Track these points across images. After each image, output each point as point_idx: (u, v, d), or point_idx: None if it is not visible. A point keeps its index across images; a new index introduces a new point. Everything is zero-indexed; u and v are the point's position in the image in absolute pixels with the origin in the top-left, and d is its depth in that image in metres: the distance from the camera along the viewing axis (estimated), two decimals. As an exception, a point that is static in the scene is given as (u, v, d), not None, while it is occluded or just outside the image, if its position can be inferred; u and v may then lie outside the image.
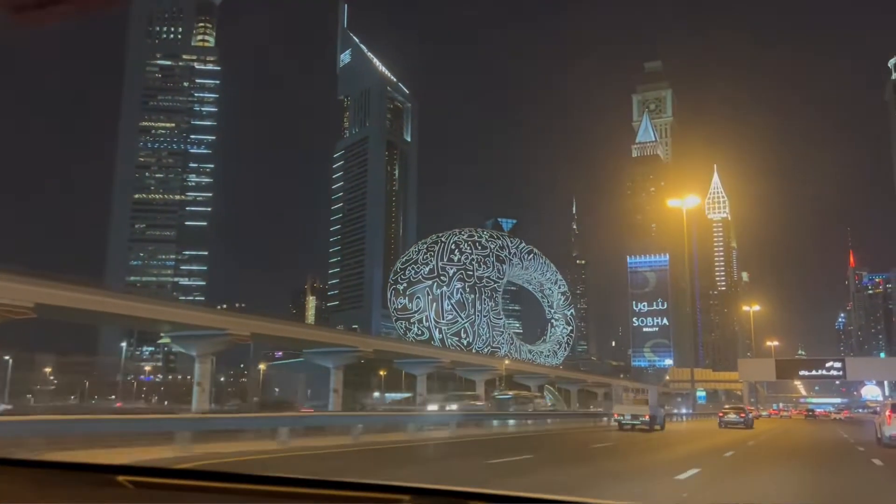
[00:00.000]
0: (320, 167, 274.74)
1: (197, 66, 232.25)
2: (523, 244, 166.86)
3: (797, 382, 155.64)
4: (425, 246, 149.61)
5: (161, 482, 2.34)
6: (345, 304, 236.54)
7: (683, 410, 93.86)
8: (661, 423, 42.43)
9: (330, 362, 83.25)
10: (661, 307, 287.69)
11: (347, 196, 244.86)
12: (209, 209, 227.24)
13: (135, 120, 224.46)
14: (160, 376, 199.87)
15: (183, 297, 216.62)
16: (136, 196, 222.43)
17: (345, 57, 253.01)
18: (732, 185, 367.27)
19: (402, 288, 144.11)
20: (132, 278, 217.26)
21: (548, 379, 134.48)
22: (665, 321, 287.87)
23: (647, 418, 40.85)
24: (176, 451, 18.19)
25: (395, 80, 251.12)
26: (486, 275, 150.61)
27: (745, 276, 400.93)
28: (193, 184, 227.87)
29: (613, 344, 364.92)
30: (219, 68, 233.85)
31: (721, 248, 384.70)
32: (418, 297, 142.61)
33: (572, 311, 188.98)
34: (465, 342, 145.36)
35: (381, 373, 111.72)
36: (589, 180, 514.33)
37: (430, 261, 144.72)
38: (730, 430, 46.49)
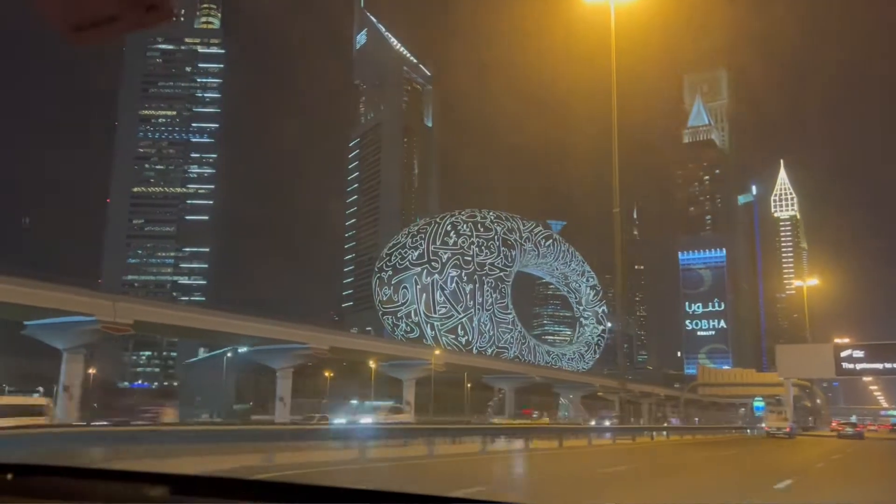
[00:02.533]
0: (334, 157, 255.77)
1: (200, 49, 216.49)
2: (540, 228, 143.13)
3: (872, 386, 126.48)
4: (416, 228, 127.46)
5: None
6: (360, 305, 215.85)
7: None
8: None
9: (276, 362, 62.99)
10: (717, 308, 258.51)
11: (363, 187, 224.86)
12: (211, 202, 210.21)
13: (134, 108, 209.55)
14: (156, 383, 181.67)
15: (183, 298, 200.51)
16: (135, 189, 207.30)
17: (360, 38, 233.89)
18: (801, 183, 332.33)
19: (386, 276, 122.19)
20: (130, 277, 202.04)
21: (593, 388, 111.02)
22: (722, 324, 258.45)
23: (787, 430, 56.74)
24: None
25: (414, 60, 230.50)
26: (488, 261, 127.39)
27: (816, 280, 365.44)
28: (195, 175, 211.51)
29: (679, 354, 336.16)
30: (223, 51, 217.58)
31: (790, 249, 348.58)
32: (405, 287, 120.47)
33: (604, 307, 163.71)
34: (462, 340, 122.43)
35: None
36: (636, 171, 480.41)
37: (420, 244, 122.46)
38: None
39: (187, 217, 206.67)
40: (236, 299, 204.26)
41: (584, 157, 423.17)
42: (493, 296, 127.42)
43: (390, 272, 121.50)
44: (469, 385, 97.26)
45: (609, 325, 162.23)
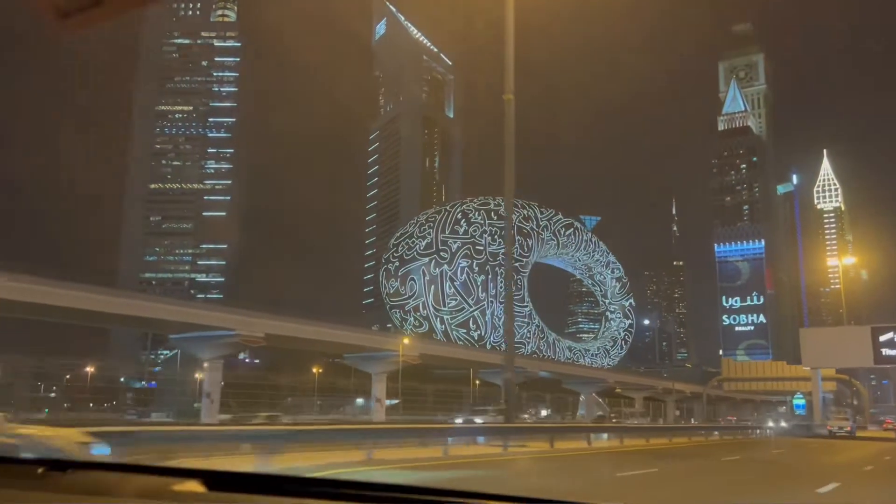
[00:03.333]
0: (354, 150, 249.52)
1: (216, 43, 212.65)
2: (559, 216, 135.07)
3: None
4: (424, 217, 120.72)
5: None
6: (380, 300, 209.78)
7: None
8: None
9: (203, 351, 56.81)
10: (756, 302, 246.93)
11: (382, 180, 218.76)
12: (228, 198, 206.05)
13: (151, 104, 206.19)
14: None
15: (200, 295, 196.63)
16: (152, 186, 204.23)
17: (380, 28, 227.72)
18: (846, 174, 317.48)
19: (393, 268, 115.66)
20: (147, 275, 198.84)
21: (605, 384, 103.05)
22: (762, 318, 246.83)
23: (849, 429, 52.53)
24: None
25: (435, 50, 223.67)
26: (501, 251, 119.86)
27: (864, 274, 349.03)
28: (212, 171, 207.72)
29: (721, 353, 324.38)
30: (239, 44, 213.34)
31: (834, 242, 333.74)
32: (413, 279, 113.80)
33: (631, 301, 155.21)
34: (475, 335, 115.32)
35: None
36: (670, 162, 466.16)
37: (429, 234, 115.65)
38: None
39: (204, 213, 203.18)
40: (255, 296, 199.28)
41: (621, 151, 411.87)
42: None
43: (397, 263, 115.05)
44: (478, 382, 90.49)
45: (636, 320, 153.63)
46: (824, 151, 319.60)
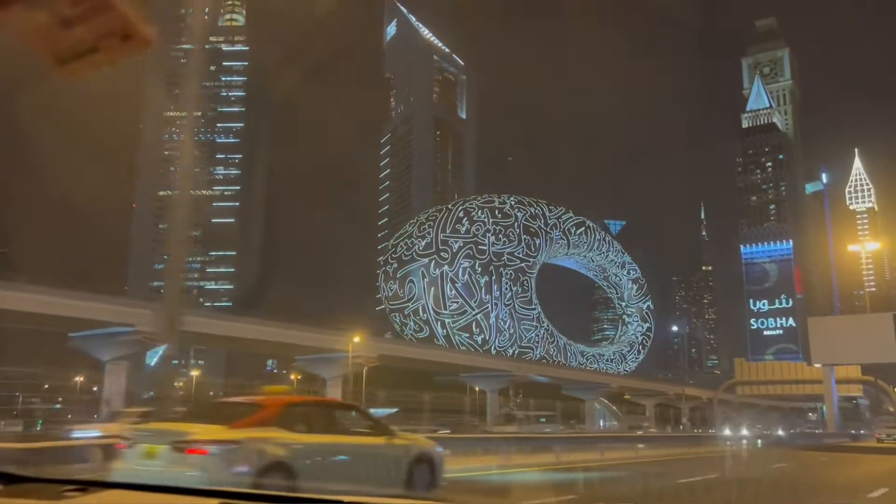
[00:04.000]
0: (366, 154, 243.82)
1: (224, 47, 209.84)
2: (570, 214, 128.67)
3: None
4: (425, 216, 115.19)
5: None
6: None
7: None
8: None
9: (101, 351, 51.28)
10: (785, 305, 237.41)
11: (394, 185, 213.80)
12: (237, 204, 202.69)
13: (159, 110, 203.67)
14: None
15: (209, 304, 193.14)
16: (161, 193, 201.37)
17: (390, 30, 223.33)
18: (880, 173, 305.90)
19: (391, 270, 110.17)
20: (156, 283, 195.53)
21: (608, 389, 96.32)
22: (791, 322, 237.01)
23: None
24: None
25: (447, 50, 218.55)
26: (506, 251, 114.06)
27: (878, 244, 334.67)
28: (220, 177, 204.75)
29: (748, 358, 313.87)
30: (247, 48, 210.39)
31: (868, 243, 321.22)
32: (412, 281, 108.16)
33: (649, 303, 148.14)
34: (478, 339, 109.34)
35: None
36: (696, 165, 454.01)
37: (429, 233, 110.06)
38: None
39: (213, 220, 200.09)
40: (266, 304, 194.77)
41: (648, 154, 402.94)
42: (514, 289, 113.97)
43: (395, 265, 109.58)
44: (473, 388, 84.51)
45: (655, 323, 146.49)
46: (856, 150, 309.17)
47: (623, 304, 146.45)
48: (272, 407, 9.75)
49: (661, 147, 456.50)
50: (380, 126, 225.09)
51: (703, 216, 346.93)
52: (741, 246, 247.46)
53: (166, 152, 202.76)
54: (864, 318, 53.96)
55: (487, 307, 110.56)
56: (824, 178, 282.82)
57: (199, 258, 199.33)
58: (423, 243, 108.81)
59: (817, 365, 43.41)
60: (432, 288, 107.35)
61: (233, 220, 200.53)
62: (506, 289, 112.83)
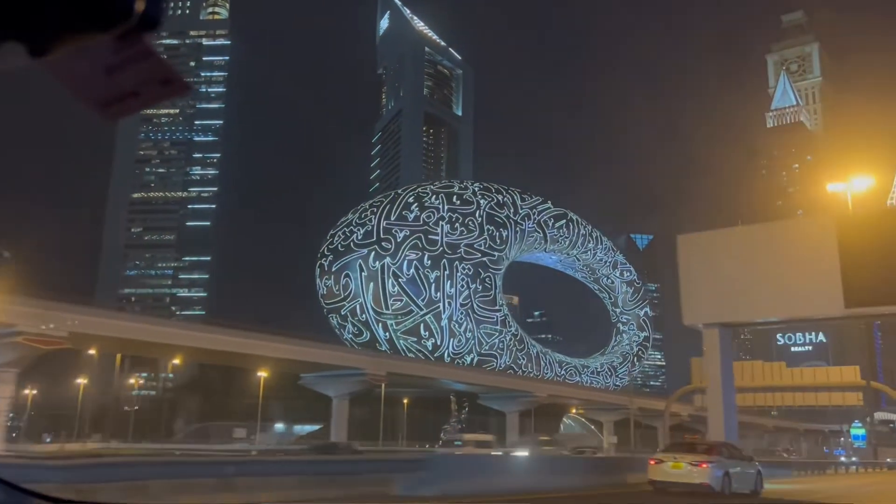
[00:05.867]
0: (355, 153, 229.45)
1: (205, 41, 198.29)
2: (548, 205, 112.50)
3: None
4: (370, 203, 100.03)
5: None
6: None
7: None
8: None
9: None
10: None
11: (384, 185, 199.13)
12: (213, 206, 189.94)
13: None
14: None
15: (182, 313, 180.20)
16: (135, 195, 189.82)
17: (384, 23, 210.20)
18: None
19: (327, 263, 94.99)
20: (127, 290, 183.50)
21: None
22: (821, 337, 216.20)
23: None
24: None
25: (443, 43, 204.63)
26: (464, 242, 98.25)
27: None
28: (197, 177, 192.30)
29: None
30: (229, 42, 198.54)
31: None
32: (348, 275, 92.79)
33: (647, 309, 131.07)
34: (428, 344, 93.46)
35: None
36: (714, 165, 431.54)
37: (370, 221, 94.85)
38: None
39: (188, 223, 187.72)
40: (241, 313, 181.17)
41: (674, 165, 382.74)
42: (473, 286, 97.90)
43: (331, 257, 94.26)
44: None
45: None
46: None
47: (617, 310, 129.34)
48: (716, 445, 21.30)
49: (686, 156, 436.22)
50: (370, 124, 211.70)
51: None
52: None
53: (141, 152, 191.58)
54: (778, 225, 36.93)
55: (439, 307, 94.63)
56: (855, 180, 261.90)
57: (172, 264, 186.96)
58: (362, 232, 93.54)
59: (699, 326, 26.25)
60: (371, 284, 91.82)
61: (208, 223, 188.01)
62: (462, 286, 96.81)
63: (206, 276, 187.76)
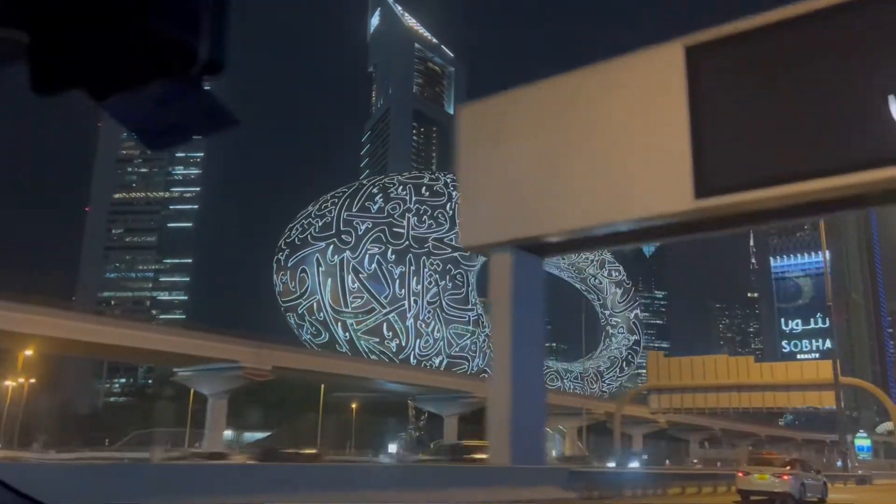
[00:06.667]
0: (345, 154, 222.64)
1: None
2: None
3: None
4: (331, 194, 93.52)
5: None
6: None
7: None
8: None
9: None
10: (821, 325, 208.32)
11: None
12: (196, 206, 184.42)
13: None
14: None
15: (163, 316, 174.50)
16: (116, 196, 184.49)
17: (374, 21, 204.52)
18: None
19: (283, 257, 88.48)
20: (106, 294, 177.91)
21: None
22: (829, 344, 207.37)
23: None
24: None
25: (435, 40, 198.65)
26: (432, 235, 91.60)
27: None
28: (180, 177, 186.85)
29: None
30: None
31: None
32: (304, 270, 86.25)
33: (637, 312, 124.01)
34: (392, 345, 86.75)
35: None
36: None
37: (330, 213, 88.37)
38: None
39: (169, 224, 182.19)
40: (223, 315, 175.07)
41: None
42: (442, 283, 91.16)
43: (288, 251, 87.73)
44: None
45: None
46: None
47: (606, 312, 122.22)
48: (793, 460, 25.90)
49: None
50: (360, 123, 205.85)
51: (751, 243, 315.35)
52: (770, 258, 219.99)
53: (123, 152, 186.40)
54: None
55: (403, 305, 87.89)
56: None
57: (152, 266, 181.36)
58: (320, 223, 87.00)
59: (487, 249, 18.74)
60: (329, 279, 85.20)
61: (190, 224, 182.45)
62: (430, 282, 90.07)
63: (187, 279, 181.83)
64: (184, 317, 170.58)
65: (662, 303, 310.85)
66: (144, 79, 1.17)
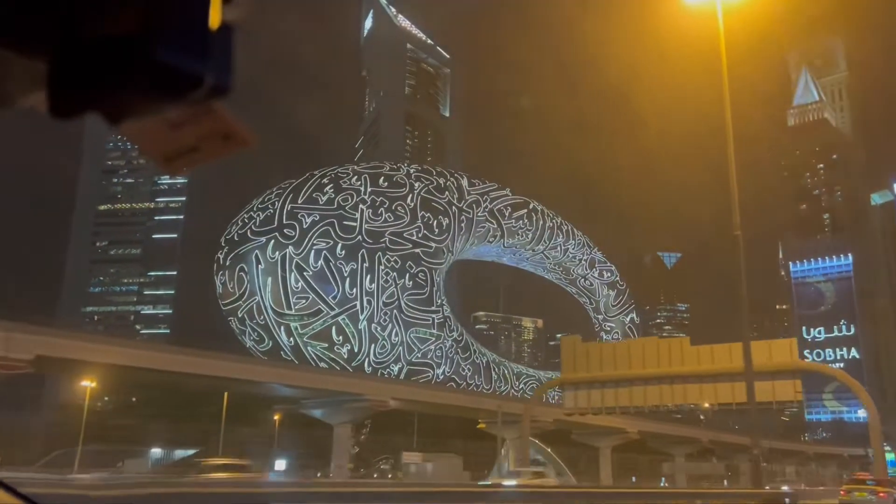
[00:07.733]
0: (338, 158, 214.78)
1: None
2: (506, 192, 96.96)
3: None
4: (278, 186, 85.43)
5: None
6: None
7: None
8: None
9: None
10: (846, 332, 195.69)
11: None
12: (181, 217, 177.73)
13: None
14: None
15: (146, 331, 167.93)
16: (101, 207, 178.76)
17: (368, 23, 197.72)
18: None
19: (223, 256, 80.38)
20: (89, 308, 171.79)
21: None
22: (854, 353, 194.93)
23: None
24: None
25: (430, 41, 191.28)
26: (389, 230, 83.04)
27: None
28: (165, 187, 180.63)
29: (804, 398, 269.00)
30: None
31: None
32: (243, 269, 78.04)
33: (633, 315, 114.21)
34: (343, 351, 78.03)
35: None
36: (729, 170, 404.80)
37: (273, 206, 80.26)
38: None
39: (154, 235, 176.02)
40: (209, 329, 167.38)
41: (694, 174, 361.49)
42: (401, 282, 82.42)
43: (227, 249, 79.65)
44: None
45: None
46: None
47: (599, 316, 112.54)
48: (884, 480, 31.59)
49: (712, 170, 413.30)
50: (354, 128, 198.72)
51: (780, 254, 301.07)
52: (790, 263, 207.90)
53: (109, 162, 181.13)
54: None
55: (355, 306, 79.22)
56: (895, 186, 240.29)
57: (137, 279, 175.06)
58: (261, 217, 78.90)
59: None
60: (269, 278, 76.86)
61: (175, 235, 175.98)
62: (386, 281, 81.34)
63: (172, 292, 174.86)
64: (168, 332, 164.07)
65: (686, 315, 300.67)
66: (155, 104, 1.20)
